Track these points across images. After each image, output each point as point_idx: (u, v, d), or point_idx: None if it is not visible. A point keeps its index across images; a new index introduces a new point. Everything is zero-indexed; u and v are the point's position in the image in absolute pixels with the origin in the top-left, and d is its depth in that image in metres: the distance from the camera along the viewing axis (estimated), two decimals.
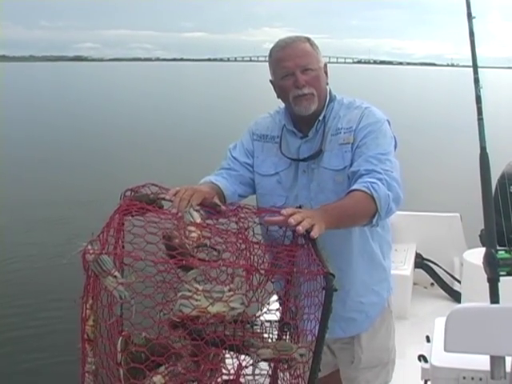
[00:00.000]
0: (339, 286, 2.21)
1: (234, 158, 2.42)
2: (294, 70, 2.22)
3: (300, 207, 1.99)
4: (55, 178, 13.75)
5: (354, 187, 2.05)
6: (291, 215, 1.77)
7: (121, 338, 1.67)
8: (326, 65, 2.33)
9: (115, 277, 1.60)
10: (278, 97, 2.35)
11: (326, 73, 2.34)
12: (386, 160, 2.14)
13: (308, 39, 2.28)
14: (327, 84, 2.35)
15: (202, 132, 21.99)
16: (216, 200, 2.01)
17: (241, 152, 2.43)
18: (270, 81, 2.35)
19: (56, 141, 20.18)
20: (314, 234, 1.74)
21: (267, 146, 2.41)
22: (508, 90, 64.29)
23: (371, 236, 2.35)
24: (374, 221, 2.05)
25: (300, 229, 1.73)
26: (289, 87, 2.25)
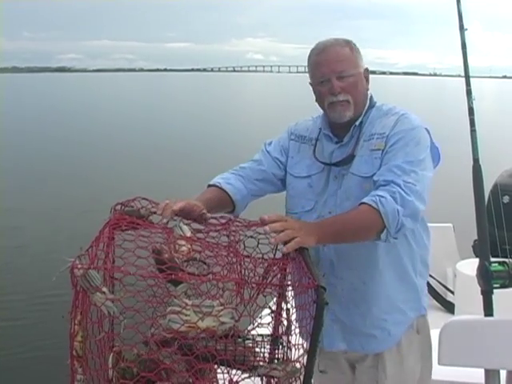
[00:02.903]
0: (361, 300, 2.19)
1: (267, 151, 2.40)
2: (329, 76, 2.15)
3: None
4: (40, 188, 13.65)
5: (363, 200, 1.97)
6: (273, 222, 1.74)
7: (112, 354, 1.64)
8: (366, 69, 2.26)
9: (103, 292, 1.57)
10: (316, 100, 2.28)
11: (367, 78, 2.26)
12: (411, 171, 2.03)
13: (348, 42, 2.21)
14: (367, 90, 2.27)
15: (187, 142, 21.98)
16: (205, 213, 1.97)
17: (275, 147, 2.40)
18: (310, 83, 2.27)
19: (41, 151, 20.04)
20: (286, 248, 1.72)
21: (303, 147, 2.36)
22: (491, 98, 64.83)
23: (402, 250, 2.23)
24: (383, 236, 1.95)
25: (273, 241, 1.72)
26: (324, 93, 2.19)
